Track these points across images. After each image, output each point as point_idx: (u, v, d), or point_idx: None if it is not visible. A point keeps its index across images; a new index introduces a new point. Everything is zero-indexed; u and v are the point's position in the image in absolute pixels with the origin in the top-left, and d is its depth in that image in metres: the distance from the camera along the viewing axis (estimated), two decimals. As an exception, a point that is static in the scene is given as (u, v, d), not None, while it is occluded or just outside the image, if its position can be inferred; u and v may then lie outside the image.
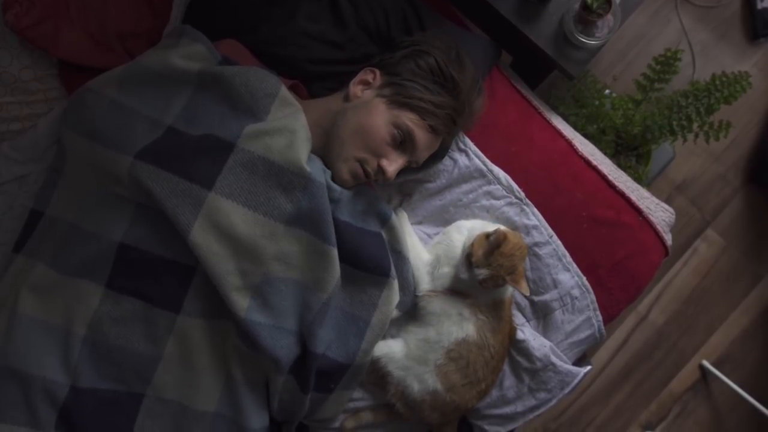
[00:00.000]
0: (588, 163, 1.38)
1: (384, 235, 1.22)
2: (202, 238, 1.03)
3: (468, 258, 1.15)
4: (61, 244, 1.09)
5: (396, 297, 1.19)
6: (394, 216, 1.24)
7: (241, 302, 1.05)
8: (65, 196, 1.15)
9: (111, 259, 1.05)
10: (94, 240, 1.06)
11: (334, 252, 1.11)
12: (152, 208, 1.06)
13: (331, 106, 1.19)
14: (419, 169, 1.30)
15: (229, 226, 1.04)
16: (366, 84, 1.19)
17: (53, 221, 1.14)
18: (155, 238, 1.06)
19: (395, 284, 1.19)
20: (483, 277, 1.13)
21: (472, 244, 1.15)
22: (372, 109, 1.15)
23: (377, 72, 1.19)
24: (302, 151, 1.08)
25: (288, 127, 1.09)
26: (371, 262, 1.16)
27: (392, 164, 1.15)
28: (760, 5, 2.04)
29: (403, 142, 1.15)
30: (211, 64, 1.15)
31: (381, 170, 1.15)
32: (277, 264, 1.07)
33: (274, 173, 1.06)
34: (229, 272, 1.04)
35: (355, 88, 1.19)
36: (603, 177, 1.37)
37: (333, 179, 1.15)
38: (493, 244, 1.12)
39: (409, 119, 1.14)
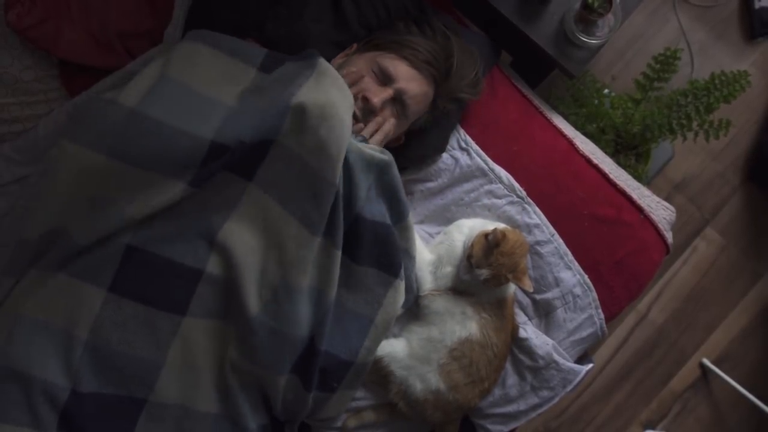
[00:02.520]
0: (589, 161, 1.38)
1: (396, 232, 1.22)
2: (237, 226, 1.05)
3: (469, 259, 1.15)
4: (66, 247, 1.07)
5: (401, 298, 1.19)
6: (410, 215, 1.23)
7: (255, 302, 1.05)
8: (63, 207, 1.08)
9: (117, 261, 1.05)
10: (99, 242, 1.05)
11: (340, 254, 1.12)
12: (164, 210, 1.05)
13: None
14: (421, 166, 1.31)
15: (262, 220, 1.05)
16: (345, 56, 1.25)
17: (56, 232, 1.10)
18: (164, 240, 1.05)
19: (402, 286, 1.19)
20: (485, 277, 1.13)
21: (472, 245, 1.15)
22: (350, 64, 1.21)
23: (355, 45, 1.25)
24: (339, 155, 1.07)
25: (333, 116, 1.07)
26: (384, 258, 1.17)
27: (376, 95, 1.17)
28: (757, 4, 2.04)
29: (384, 79, 1.19)
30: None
31: (366, 100, 1.17)
32: (294, 270, 1.07)
33: (307, 175, 1.07)
34: (253, 268, 1.05)
35: (334, 60, 1.24)
36: (604, 175, 1.38)
37: None
38: (491, 243, 1.12)
39: (385, 56, 1.19)
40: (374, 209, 1.17)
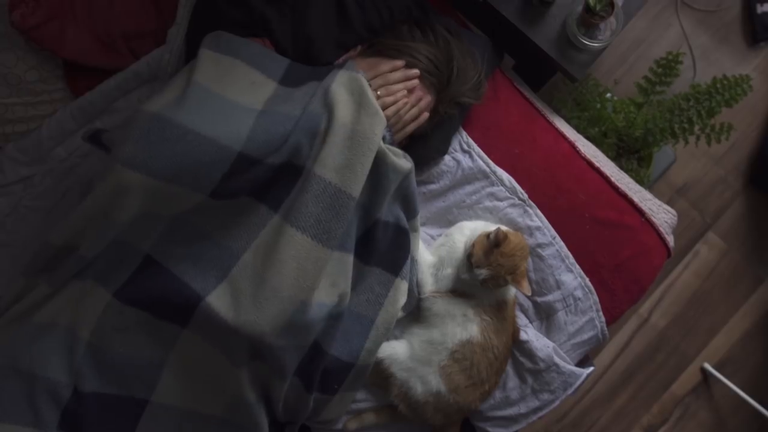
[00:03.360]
0: (591, 164, 1.38)
1: None
2: (253, 258, 1.04)
3: (469, 258, 1.15)
4: (75, 262, 1.06)
5: (402, 298, 1.19)
6: (418, 217, 1.24)
7: (274, 330, 1.03)
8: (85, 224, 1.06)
9: (133, 267, 1.04)
10: (118, 245, 1.05)
11: (352, 258, 1.13)
12: (187, 226, 1.05)
13: None
14: (423, 168, 1.31)
15: (280, 251, 1.03)
16: (347, 59, 1.24)
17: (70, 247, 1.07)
18: (181, 258, 1.04)
19: (403, 285, 1.19)
20: (483, 277, 1.13)
21: (473, 244, 1.15)
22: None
23: (359, 48, 1.24)
24: (364, 171, 1.08)
25: (360, 134, 1.08)
26: (390, 257, 1.17)
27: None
28: (759, 9, 2.05)
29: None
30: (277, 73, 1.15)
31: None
32: (313, 290, 1.06)
33: (330, 194, 1.06)
34: (263, 303, 1.02)
35: (337, 63, 1.23)
36: (606, 179, 1.38)
37: None
38: (492, 243, 1.13)
39: (384, 62, 1.18)
40: (390, 213, 1.18)
